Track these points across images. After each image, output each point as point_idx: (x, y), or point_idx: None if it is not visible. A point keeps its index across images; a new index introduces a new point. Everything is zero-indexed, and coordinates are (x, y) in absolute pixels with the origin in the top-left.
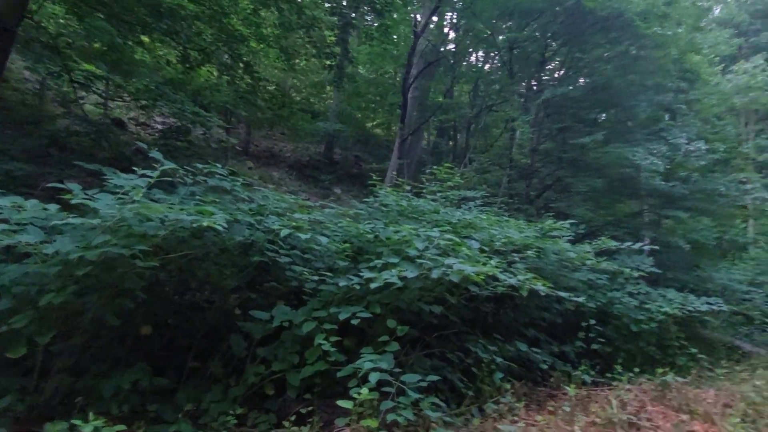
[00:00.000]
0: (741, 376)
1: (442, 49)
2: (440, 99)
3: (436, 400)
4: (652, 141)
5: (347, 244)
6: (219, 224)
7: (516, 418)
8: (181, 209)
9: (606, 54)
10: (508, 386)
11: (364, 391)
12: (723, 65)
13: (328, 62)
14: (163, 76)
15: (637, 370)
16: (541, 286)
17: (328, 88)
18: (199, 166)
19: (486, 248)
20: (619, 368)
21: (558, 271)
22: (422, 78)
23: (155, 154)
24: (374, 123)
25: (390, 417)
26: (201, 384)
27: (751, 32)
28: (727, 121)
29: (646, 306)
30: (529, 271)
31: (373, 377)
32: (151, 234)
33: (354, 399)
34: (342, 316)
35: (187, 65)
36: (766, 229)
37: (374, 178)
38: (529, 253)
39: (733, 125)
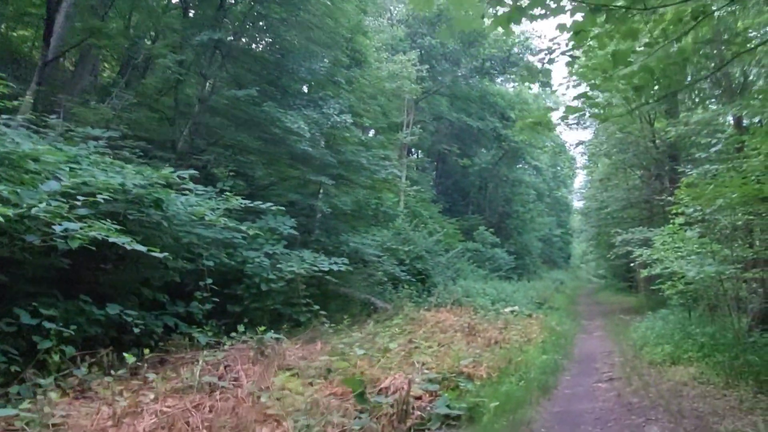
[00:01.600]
0: (351, 330)
1: None
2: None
3: None
4: (309, 107)
5: None
6: None
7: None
8: None
9: (285, 17)
10: (56, 357)
11: None
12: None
13: None
14: None
15: (241, 329)
16: (117, 239)
17: None
18: None
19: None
20: (242, 327)
21: (184, 226)
22: None
23: None
24: (34, 42)
25: None
26: None
27: (419, 35)
28: (380, 101)
29: (279, 266)
30: (117, 222)
31: None
32: None
33: None
34: None
35: None
36: (410, 204)
37: None
38: (103, 196)
39: (395, 110)
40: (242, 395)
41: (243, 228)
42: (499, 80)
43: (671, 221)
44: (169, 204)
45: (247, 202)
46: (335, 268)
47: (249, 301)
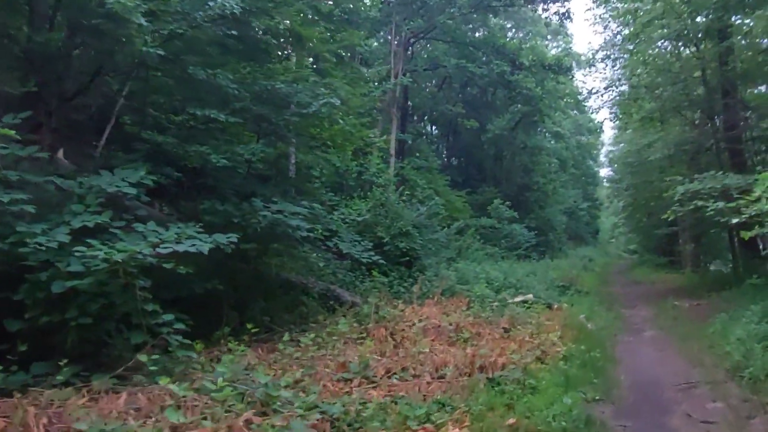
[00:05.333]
0: (240, 354)
1: None
2: None
3: None
4: None
5: None
6: None
7: None
8: None
9: None
10: None
11: None
12: None
13: None
14: None
15: None
16: None
17: None
18: None
19: None
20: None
21: None
22: None
23: None
24: None
25: None
26: None
27: None
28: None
29: (82, 250)
30: None
31: None
32: None
33: None
34: None
35: None
36: (406, 173)
37: None
38: None
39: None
40: None
41: None
42: (509, 34)
43: None
44: None
45: None
46: (195, 249)
47: (37, 313)
